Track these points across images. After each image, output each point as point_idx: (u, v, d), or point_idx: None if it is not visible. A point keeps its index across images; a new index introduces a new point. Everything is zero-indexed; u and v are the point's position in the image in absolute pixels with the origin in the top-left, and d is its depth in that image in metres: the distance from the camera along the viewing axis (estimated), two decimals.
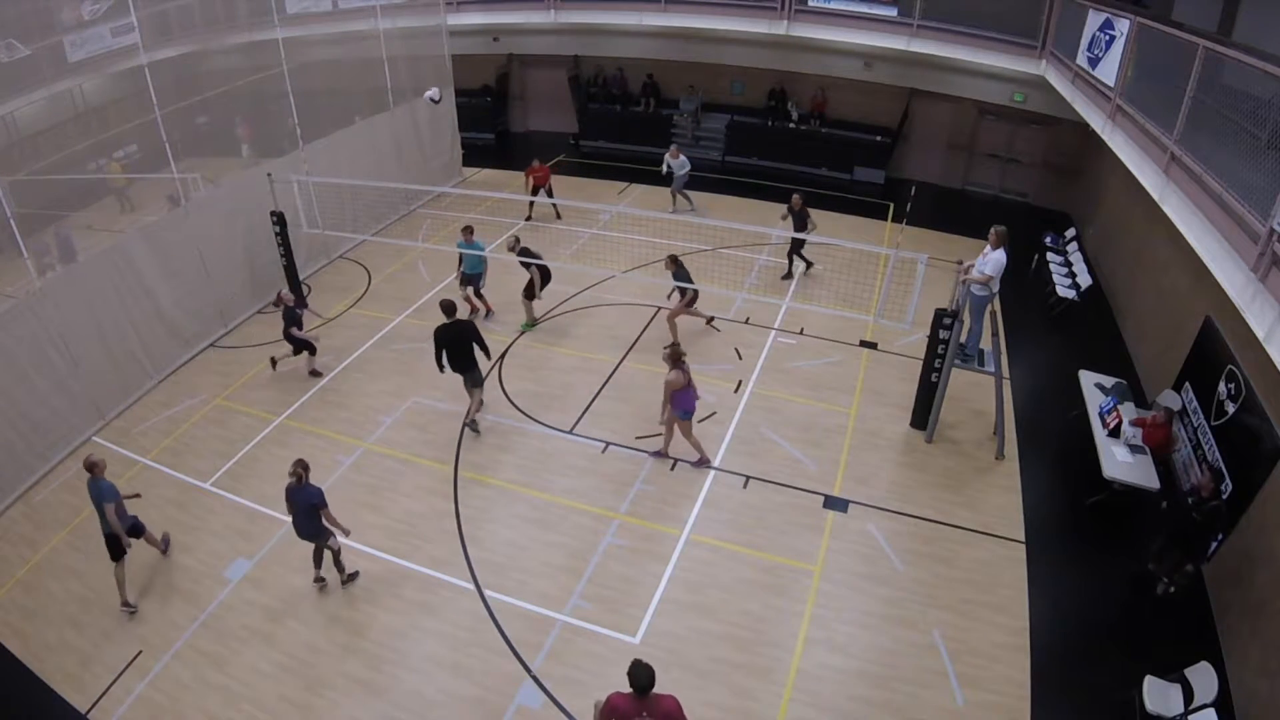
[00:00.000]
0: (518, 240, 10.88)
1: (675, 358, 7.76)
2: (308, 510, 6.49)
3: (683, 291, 10.07)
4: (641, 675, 4.52)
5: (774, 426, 9.03)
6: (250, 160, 12.79)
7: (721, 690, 6.08)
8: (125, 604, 6.78)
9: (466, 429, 8.93)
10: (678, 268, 9.95)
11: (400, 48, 14.03)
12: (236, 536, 7.55)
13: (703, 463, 8.40)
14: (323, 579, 6.96)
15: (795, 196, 11.70)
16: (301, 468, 6.43)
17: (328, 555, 6.91)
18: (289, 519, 7.64)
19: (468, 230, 10.84)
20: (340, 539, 6.85)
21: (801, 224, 11.54)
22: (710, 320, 10.94)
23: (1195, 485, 6.28)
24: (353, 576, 7.04)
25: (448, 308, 8.56)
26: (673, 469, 8.38)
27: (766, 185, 16.15)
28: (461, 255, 10.80)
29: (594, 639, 6.46)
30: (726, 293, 11.65)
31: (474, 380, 8.73)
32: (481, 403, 8.92)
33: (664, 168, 14.38)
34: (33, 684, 6.20)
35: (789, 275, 12.49)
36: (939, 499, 8.00)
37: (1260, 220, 5.00)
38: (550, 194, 14.11)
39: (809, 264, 12.53)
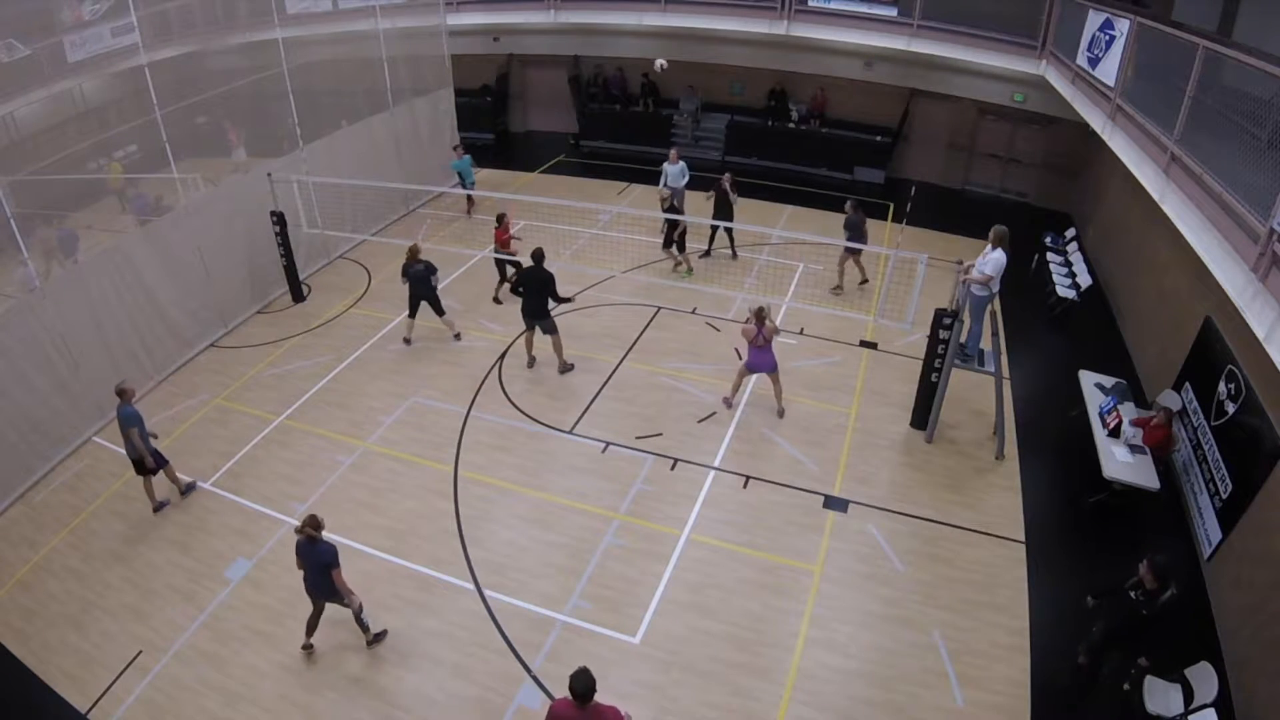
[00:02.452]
0: (672, 194, 12.41)
1: (758, 316, 8.53)
2: (320, 569, 5.96)
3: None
4: (578, 683, 4.42)
5: (774, 426, 9.03)
6: (243, 164, 12.78)
7: (721, 690, 6.08)
8: (156, 508, 7.82)
9: (561, 371, 10.00)
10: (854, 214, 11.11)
11: (400, 48, 14.03)
12: (236, 536, 7.55)
13: (725, 402, 9.31)
14: (370, 635, 6.42)
15: (727, 175, 12.28)
16: (312, 526, 5.87)
17: (344, 613, 6.31)
18: (289, 520, 7.71)
19: (458, 148, 14.46)
20: (357, 601, 6.15)
21: (725, 206, 12.05)
22: (864, 281, 12.08)
23: (1138, 578, 5.63)
24: (379, 637, 6.45)
25: (538, 255, 9.53)
26: (673, 469, 8.38)
27: (766, 185, 16.15)
28: (459, 171, 14.21)
29: (594, 639, 6.46)
30: (726, 292, 11.66)
31: (546, 328, 9.72)
32: (560, 348, 9.96)
33: (663, 180, 12.96)
34: (33, 684, 6.20)
35: (708, 253, 13.07)
36: (939, 499, 8.00)
37: (1260, 220, 5.00)
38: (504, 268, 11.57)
39: (707, 251, 13.10)
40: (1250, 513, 6.44)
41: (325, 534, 5.99)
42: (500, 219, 11.16)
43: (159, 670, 6.27)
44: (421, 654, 6.39)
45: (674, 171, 13.03)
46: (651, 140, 18.24)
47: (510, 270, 11.33)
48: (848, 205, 11.39)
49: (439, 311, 10.46)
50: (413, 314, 10.45)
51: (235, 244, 11.03)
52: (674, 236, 12.05)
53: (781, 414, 9.17)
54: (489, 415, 9.24)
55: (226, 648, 6.45)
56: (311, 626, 6.36)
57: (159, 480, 7.88)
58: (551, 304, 9.61)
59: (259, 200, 11.06)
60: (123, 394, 7.42)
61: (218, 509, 7.91)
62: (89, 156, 12.19)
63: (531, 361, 10.10)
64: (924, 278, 8.28)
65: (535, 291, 9.45)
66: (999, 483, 8.25)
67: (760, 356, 8.73)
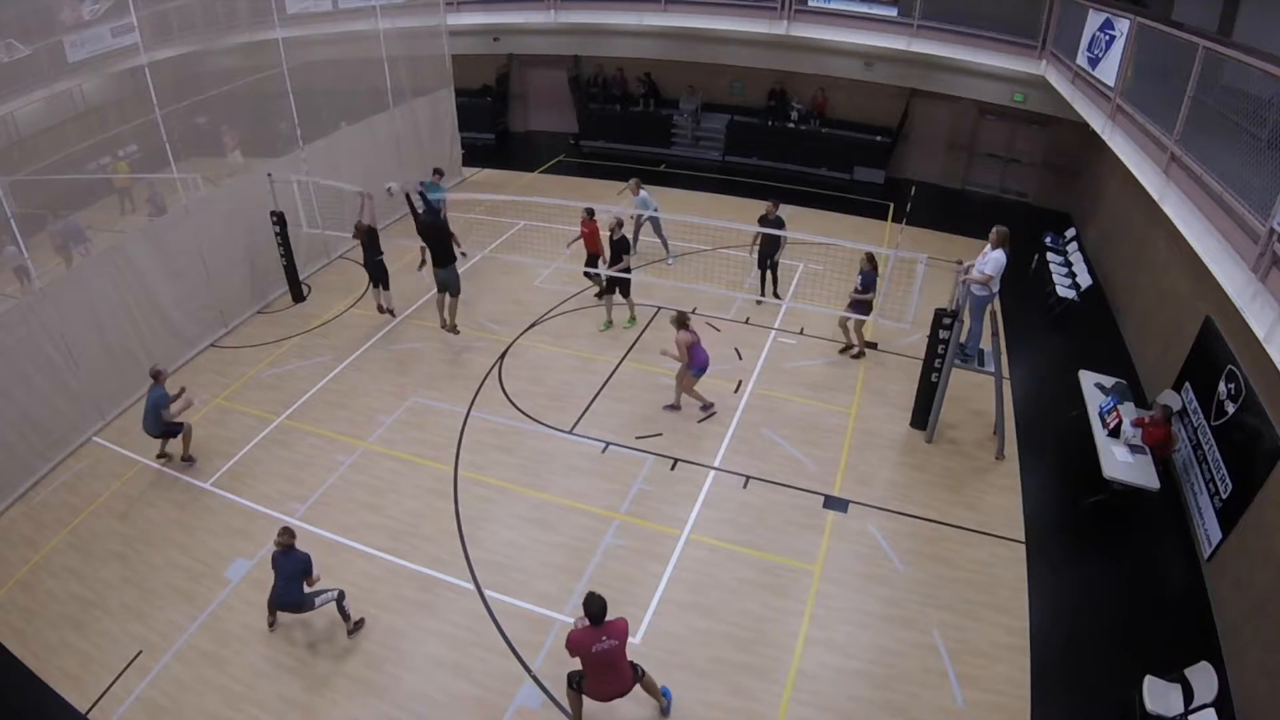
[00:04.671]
0: (620, 224, 10.52)
1: (681, 321, 8.50)
2: (293, 575, 6.13)
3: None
4: (595, 605, 4.99)
5: (774, 426, 9.03)
6: (240, 165, 12.79)
7: (721, 690, 6.08)
8: (185, 457, 8.42)
9: (450, 332, 10.33)
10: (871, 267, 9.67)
11: (400, 48, 14.02)
12: (236, 536, 7.55)
13: (709, 408, 9.13)
14: (354, 623, 6.52)
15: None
16: (289, 535, 6.16)
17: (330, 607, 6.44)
18: (289, 520, 7.70)
19: (438, 173, 12.55)
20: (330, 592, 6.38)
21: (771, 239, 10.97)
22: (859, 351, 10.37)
23: None
24: (359, 624, 6.53)
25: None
26: (673, 469, 8.38)
27: (766, 185, 16.15)
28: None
29: None
30: (727, 293, 11.65)
31: (453, 286, 10.08)
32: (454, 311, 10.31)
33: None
34: (33, 684, 6.20)
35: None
36: (939, 499, 8.00)
37: (1260, 220, 5.00)
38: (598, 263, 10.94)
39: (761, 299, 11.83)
40: (1250, 513, 6.44)
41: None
42: (591, 213, 10.88)
43: (159, 670, 6.27)
44: (421, 654, 6.38)
45: (635, 201, 12.15)
46: (651, 140, 18.26)
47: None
48: (864, 259, 9.68)
49: (382, 284, 10.82)
50: (377, 285, 10.84)
51: (235, 244, 11.02)
52: (609, 284, 10.64)
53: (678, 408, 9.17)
54: (489, 415, 9.24)
55: (226, 648, 6.45)
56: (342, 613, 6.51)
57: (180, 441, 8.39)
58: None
59: (259, 200, 11.06)
60: (157, 376, 8.09)
61: (218, 509, 7.91)
62: (89, 156, 12.20)
63: (454, 328, 10.45)
64: (924, 278, 8.29)
65: (436, 236, 9.85)
66: (999, 483, 8.25)
67: (704, 356, 8.64)
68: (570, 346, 10.61)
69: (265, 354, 10.53)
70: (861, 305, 9.79)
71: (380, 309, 11.00)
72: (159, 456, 8.53)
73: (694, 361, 8.59)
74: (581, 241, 11.24)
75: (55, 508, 7.99)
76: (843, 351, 10.42)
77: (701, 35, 16.15)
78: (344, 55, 14.50)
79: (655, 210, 12.31)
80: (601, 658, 5.03)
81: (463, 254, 11.13)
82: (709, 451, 8.62)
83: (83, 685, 6.16)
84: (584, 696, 5.39)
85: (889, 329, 10.20)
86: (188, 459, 8.44)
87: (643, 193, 12.22)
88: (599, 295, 11.52)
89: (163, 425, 8.13)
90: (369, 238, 10.43)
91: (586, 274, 11.50)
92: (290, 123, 11.87)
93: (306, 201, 11.33)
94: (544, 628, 6.58)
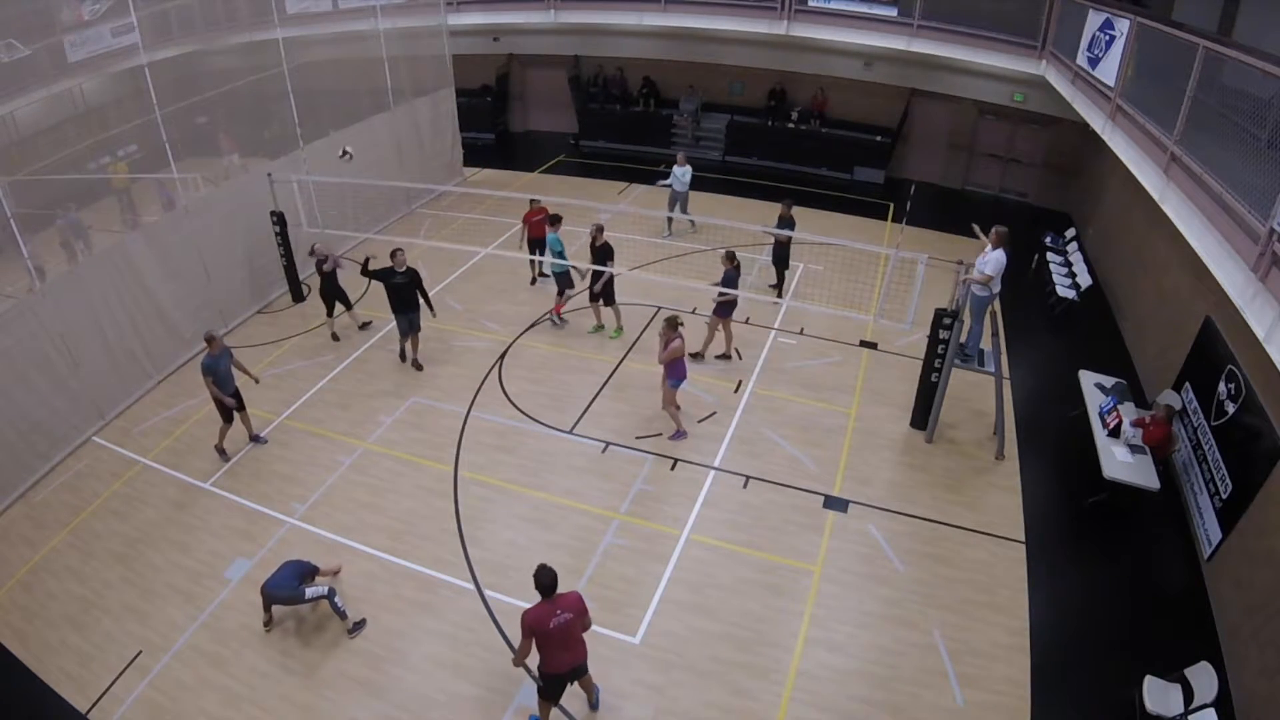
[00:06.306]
0: (601, 230, 10.39)
1: (674, 326, 8.11)
2: (297, 569, 6.47)
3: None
4: (546, 576, 5.00)
5: (774, 426, 9.03)
6: (239, 166, 12.79)
7: (721, 690, 6.08)
8: (220, 451, 8.51)
9: (412, 365, 10.12)
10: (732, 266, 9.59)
11: (400, 48, 14.03)
12: (236, 536, 7.55)
13: (682, 434, 8.81)
14: (354, 623, 6.60)
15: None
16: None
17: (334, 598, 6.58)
18: (289, 520, 7.71)
19: (555, 221, 10.69)
20: (328, 583, 6.67)
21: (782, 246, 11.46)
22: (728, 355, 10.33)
23: None
24: (360, 625, 6.58)
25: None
26: (673, 469, 8.38)
27: (766, 185, 16.16)
28: (548, 248, 10.59)
29: (594, 639, 6.37)
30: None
31: (413, 324, 9.92)
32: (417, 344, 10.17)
33: (669, 180, 13.43)
34: (33, 684, 6.20)
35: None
36: (939, 499, 8.00)
37: (1260, 220, 5.00)
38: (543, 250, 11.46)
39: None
40: (1250, 513, 6.44)
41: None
42: (534, 203, 11.65)
43: (159, 670, 6.27)
44: (421, 654, 6.39)
45: (678, 172, 13.29)
46: (651, 140, 18.26)
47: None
48: (724, 257, 9.67)
49: (348, 305, 10.79)
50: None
51: (235, 244, 11.02)
52: (596, 289, 10.35)
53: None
54: (489, 415, 9.24)
55: (226, 648, 6.45)
56: (340, 613, 6.57)
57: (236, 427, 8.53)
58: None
59: (259, 200, 11.06)
60: (210, 342, 8.07)
61: (218, 509, 7.91)
62: (89, 156, 12.21)
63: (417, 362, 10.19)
64: (924, 278, 8.29)
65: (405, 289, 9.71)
66: (999, 483, 8.25)
67: (684, 367, 8.37)
68: (570, 346, 10.61)
69: (265, 354, 10.53)
70: (724, 306, 9.63)
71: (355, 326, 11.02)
72: (221, 453, 8.58)
73: (677, 372, 8.34)
74: (527, 230, 11.79)
75: (55, 508, 7.99)
76: (719, 357, 10.15)
77: (701, 35, 16.15)
78: (344, 55, 14.51)
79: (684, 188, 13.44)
80: (560, 631, 5.06)
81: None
82: (709, 451, 8.62)
83: (83, 685, 6.16)
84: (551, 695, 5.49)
85: (889, 329, 10.20)
86: (220, 450, 8.56)
87: (687, 165, 13.30)
88: (534, 282, 12.30)
89: (216, 391, 8.10)
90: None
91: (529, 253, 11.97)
92: (290, 123, 11.88)
93: (307, 201, 11.33)
94: None
